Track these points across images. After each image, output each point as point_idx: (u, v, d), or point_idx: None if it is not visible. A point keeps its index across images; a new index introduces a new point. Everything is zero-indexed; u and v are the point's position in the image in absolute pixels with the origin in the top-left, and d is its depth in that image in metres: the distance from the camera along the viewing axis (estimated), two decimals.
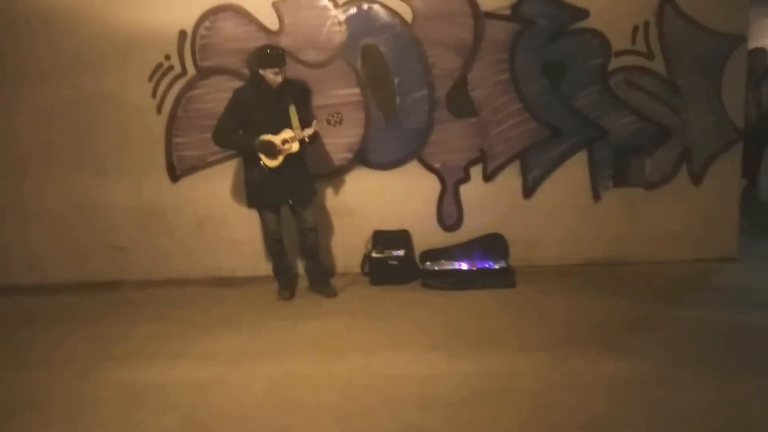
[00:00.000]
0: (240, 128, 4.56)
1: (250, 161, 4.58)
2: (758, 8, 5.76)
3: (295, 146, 4.50)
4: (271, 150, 4.47)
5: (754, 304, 4.29)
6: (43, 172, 5.33)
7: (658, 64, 5.07)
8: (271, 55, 4.45)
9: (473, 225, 5.29)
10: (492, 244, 5.22)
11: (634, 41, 5.04)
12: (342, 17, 5.06)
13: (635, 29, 5.02)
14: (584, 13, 4.99)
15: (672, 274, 4.98)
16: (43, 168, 5.32)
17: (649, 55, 5.06)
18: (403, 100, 5.16)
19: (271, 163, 4.49)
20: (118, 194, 5.31)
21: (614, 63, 5.07)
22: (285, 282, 4.93)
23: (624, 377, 3.29)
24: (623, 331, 3.91)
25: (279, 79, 4.45)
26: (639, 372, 3.34)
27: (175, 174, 5.30)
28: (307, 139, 4.51)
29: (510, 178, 5.25)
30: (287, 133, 4.48)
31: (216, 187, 5.29)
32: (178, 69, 5.15)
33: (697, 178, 5.22)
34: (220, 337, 4.13)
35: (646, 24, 5.01)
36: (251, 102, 4.49)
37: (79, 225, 5.39)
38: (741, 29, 5.04)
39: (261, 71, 4.44)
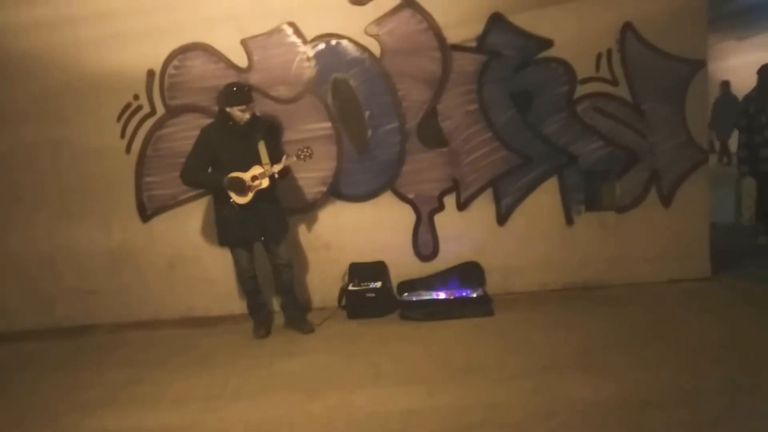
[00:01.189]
0: (209, 166, 4.53)
1: (220, 199, 4.54)
2: (717, 33, 5.93)
3: (265, 182, 4.47)
4: (241, 187, 4.43)
5: (733, 322, 4.33)
6: (6, 217, 5.22)
7: (622, 90, 5.19)
8: (237, 92, 4.45)
9: (449, 254, 5.29)
10: (469, 273, 5.22)
11: (598, 68, 5.15)
12: (311, 53, 5.09)
13: (599, 57, 5.14)
14: (549, 43, 5.10)
15: (648, 296, 5.01)
16: (6, 212, 5.22)
17: (614, 82, 5.17)
18: (374, 133, 5.19)
19: (241, 200, 4.45)
20: (88, 236, 5.22)
21: (580, 90, 5.17)
22: (260, 320, 4.85)
23: (604, 402, 3.28)
24: (602, 355, 3.90)
25: (246, 116, 4.44)
26: (619, 396, 3.33)
27: (145, 214, 5.23)
28: (276, 175, 4.48)
29: (484, 206, 5.28)
30: (257, 170, 4.45)
31: (187, 225, 5.23)
32: (147, 108, 5.13)
33: (666, 200, 5.30)
34: (195, 379, 4.03)
35: (609, 51, 5.13)
36: (219, 140, 4.46)
37: (47, 269, 5.27)
38: (700, 54, 5.18)
39: (228, 109, 4.43)
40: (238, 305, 5.15)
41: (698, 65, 5.18)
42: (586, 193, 5.29)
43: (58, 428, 3.49)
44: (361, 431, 3.20)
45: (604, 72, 5.16)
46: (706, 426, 3.01)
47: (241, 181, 4.43)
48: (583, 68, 5.14)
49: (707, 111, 5.34)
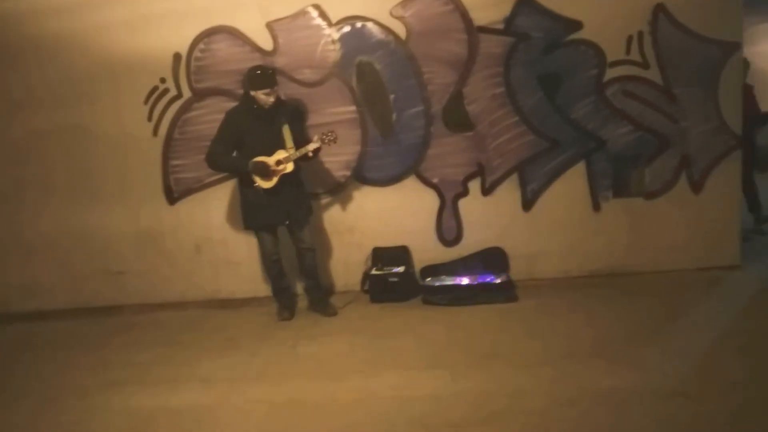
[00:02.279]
0: (233, 150, 4.55)
1: (245, 183, 4.56)
2: (752, 15, 5.76)
3: (289, 167, 4.48)
4: (265, 171, 4.44)
5: (762, 311, 4.24)
6: (39, 199, 5.32)
7: (653, 74, 5.06)
8: (262, 75, 4.44)
9: (473, 239, 5.25)
10: (492, 258, 5.18)
11: (628, 51, 5.03)
12: (336, 36, 5.06)
13: (629, 39, 5.01)
14: (578, 25, 4.99)
15: (675, 284, 4.93)
16: (39, 195, 5.31)
17: (645, 65, 5.05)
18: (399, 116, 5.15)
19: (266, 184, 4.46)
20: (115, 219, 5.29)
21: (609, 73, 5.05)
22: (284, 302, 4.89)
23: (628, 391, 3.24)
24: (627, 344, 3.86)
25: (270, 99, 4.43)
26: (644, 385, 3.29)
27: (172, 196, 5.29)
28: (310, 154, 4.47)
29: (509, 192, 5.22)
30: (281, 154, 4.46)
31: (213, 209, 5.27)
32: (173, 91, 5.15)
33: (697, 186, 5.18)
34: (220, 360, 4.09)
35: (640, 33, 5.00)
36: (243, 123, 4.48)
37: (77, 251, 5.37)
38: (735, 36, 5.03)
39: (252, 92, 4.43)
40: (262, 288, 5.19)
41: (733, 47, 5.03)
42: (614, 179, 5.19)
43: (87, 406, 3.58)
44: (384, 415, 3.21)
45: (635, 55, 5.03)
46: (736, 417, 2.95)
47: (265, 165, 4.44)
48: (613, 51, 5.03)
49: (740, 95, 5.19)
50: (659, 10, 4.97)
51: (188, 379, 3.83)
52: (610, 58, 5.04)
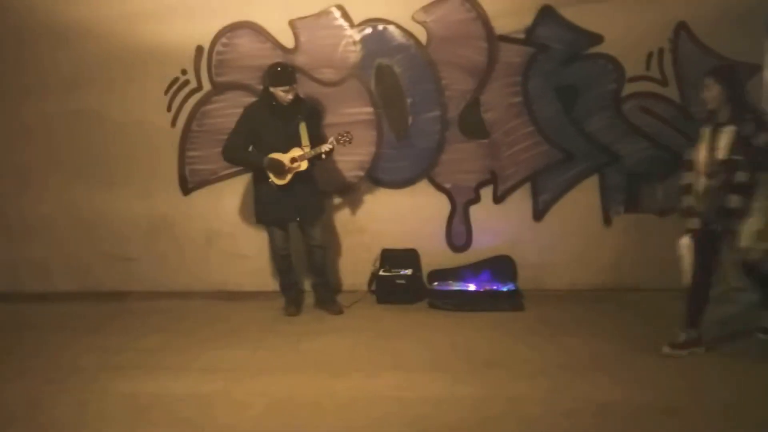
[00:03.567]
0: (250, 144, 4.60)
1: (259, 178, 4.61)
2: None
3: (304, 165, 4.52)
4: (280, 169, 4.49)
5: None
6: (52, 182, 5.43)
7: (671, 91, 5.05)
8: (282, 72, 4.49)
9: (482, 246, 5.26)
10: (500, 267, 5.19)
11: (648, 67, 5.02)
12: (357, 37, 5.10)
13: (649, 55, 5.00)
14: (598, 38, 4.98)
15: (681, 302, 4.88)
16: (51, 178, 5.43)
17: (663, 82, 5.03)
18: (415, 120, 5.18)
19: (280, 181, 4.51)
20: (128, 205, 5.36)
21: (628, 88, 5.04)
22: (291, 298, 4.93)
23: (627, 405, 3.24)
24: (626, 359, 3.85)
25: (289, 96, 4.48)
26: (642, 400, 3.29)
27: (186, 187, 5.35)
28: (323, 155, 4.52)
29: (520, 201, 5.23)
30: (296, 152, 4.50)
31: (226, 201, 5.33)
32: (193, 83, 5.22)
33: None
34: (224, 351, 4.13)
35: (661, 50, 4.99)
36: (261, 119, 4.53)
37: (87, 235, 5.45)
38: (757, 58, 5.00)
39: (271, 89, 4.48)
40: (270, 282, 5.23)
41: (754, 69, 5.00)
42: (626, 194, 5.18)
43: (87, 388, 3.62)
44: (381, 415, 3.23)
45: (654, 71, 5.02)
46: None
47: (280, 163, 4.49)
48: (633, 66, 5.02)
49: None
50: (681, 28, 4.96)
51: (189, 368, 3.87)
52: (629, 74, 5.03)
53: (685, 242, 3.88)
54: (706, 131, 3.79)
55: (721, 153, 3.63)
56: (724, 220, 3.66)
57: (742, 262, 3.94)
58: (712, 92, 3.71)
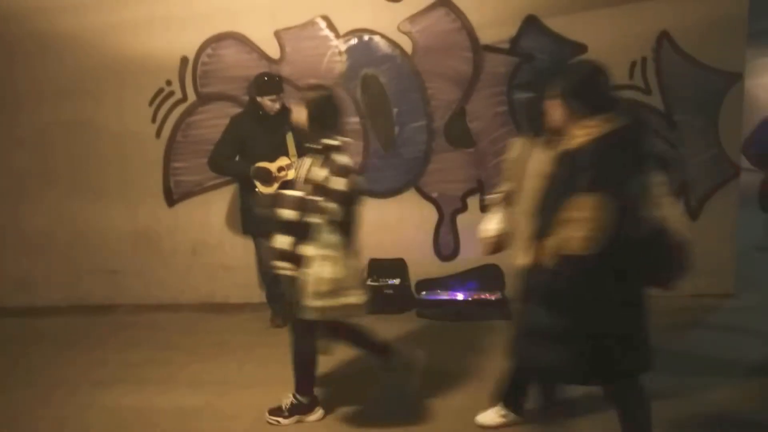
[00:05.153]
0: (236, 154, 4.57)
1: (246, 188, 4.58)
2: (754, 49, 5.82)
3: (291, 174, 4.49)
4: (267, 177, 4.47)
5: (752, 341, 4.24)
6: (37, 194, 5.34)
7: (655, 100, 5.11)
8: (269, 82, 4.49)
9: (470, 255, 5.26)
10: (488, 276, 5.18)
11: (631, 76, 5.08)
12: (343, 47, 5.11)
13: (633, 64, 5.07)
14: (582, 48, 5.04)
15: (667, 310, 4.90)
16: (37, 189, 5.34)
17: (647, 91, 5.10)
18: (401, 130, 5.19)
19: (266, 190, 4.48)
20: (114, 217, 5.30)
21: None
22: (278, 309, 4.88)
23: (600, 413, 3.23)
24: None
25: (276, 106, 4.47)
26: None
27: (172, 198, 5.31)
28: None
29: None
30: (283, 161, 4.48)
31: (211, 212, 5.29)
32: (178, 94, 5.19)
33: (694, 213, 5.21)
34: (210, 364, 4.08)
35: (644, 59, 5.06)
36: (248, 129, 4.51)
37: (73, 247, 5.38)
38: (738, 67, 5.08)
39: (258, 98, 4.47)
40: (257, 294, 5.19)
41: (735, 78, 5.08)
42: None
43: (73, 402, 3.57)
44: (372, 425, 3.20)
45: (638, 80, 5.08)
46: None
47: (267, 171, 4.46)
48: (616, 75, 5.01)
49: (741, 125, 5.23)
50: (664, 37, 5.03)
51: (176, 381, 3.83)
52: (613, 83, 5.06)
53: None
54: None
55: None
56: None
57: None
58: None
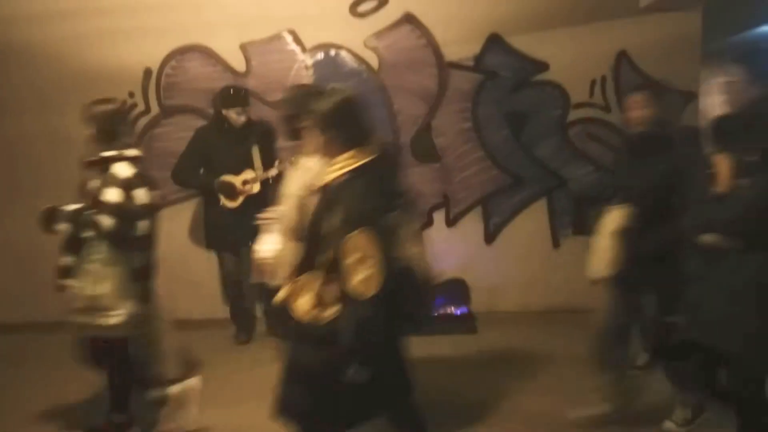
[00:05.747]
0: (201, 167, 4.53)
1: (210, 201, 4.54)
2: (708, 69, 6.00)
3: (255, 187, 4.47)
4: (231, 191, 4.43)
5: None
6: (3, 207, 5.20)
7: (614, 117, 5.24)
8: (234, 94, 4.47)
9: (436, 270, 5.27)
10: (453, 290, 5.22)
11: (591, 94, 5.21)
12: (309, 61, 5.12)
13: (593, 83, 5.20)
14: (545, 66, 5.15)
15: None
16: (3, 202, 5.20)
17: (606, 108, 5.23)
18: None
19: (231, 203, 4.44)
20: None
21: (573, 115, 5.22)
22: (243, 325, 4.83)
23: (582, 425, 3.28)
24: (584, 379, 3.90)
25: (241, 119, 4.45)
26: (597, 419, 3.33)
27: None
28: (271, 180, 4.48)
29: (472, 224, 5.30)
30: (248, 174, 4.46)
31: (174, 226, 5.18)
32: (141, 106, 5.12)
33: None
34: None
35: (603, 78, 5.19)
36: (213, 141, 4.47)
37: (38, 262, 5.19)
38: (693, 86, 5.25)
39: (224, 111, 4.44)
40: (221, 309, 5.11)
41: (690, 97, 5.25)
42: (574, 217, 5.32)
43: (28, 421, 3.44)
44: None
45: (598, 98, 5.22)
46: None
47: (231, 185, 4.43)
48: (577, 93, 5.20)
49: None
50: (622, 56, 5.18)
51: (134, 400, 3.72)
52: (574, 100, 5.21)
53: None
54: None
55: None
56: None
57: None
58: None
